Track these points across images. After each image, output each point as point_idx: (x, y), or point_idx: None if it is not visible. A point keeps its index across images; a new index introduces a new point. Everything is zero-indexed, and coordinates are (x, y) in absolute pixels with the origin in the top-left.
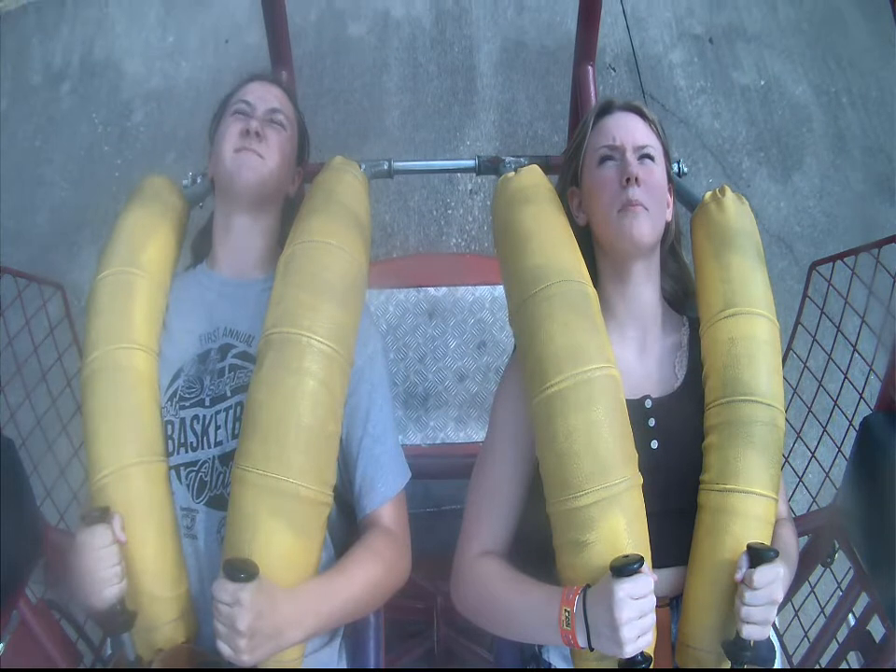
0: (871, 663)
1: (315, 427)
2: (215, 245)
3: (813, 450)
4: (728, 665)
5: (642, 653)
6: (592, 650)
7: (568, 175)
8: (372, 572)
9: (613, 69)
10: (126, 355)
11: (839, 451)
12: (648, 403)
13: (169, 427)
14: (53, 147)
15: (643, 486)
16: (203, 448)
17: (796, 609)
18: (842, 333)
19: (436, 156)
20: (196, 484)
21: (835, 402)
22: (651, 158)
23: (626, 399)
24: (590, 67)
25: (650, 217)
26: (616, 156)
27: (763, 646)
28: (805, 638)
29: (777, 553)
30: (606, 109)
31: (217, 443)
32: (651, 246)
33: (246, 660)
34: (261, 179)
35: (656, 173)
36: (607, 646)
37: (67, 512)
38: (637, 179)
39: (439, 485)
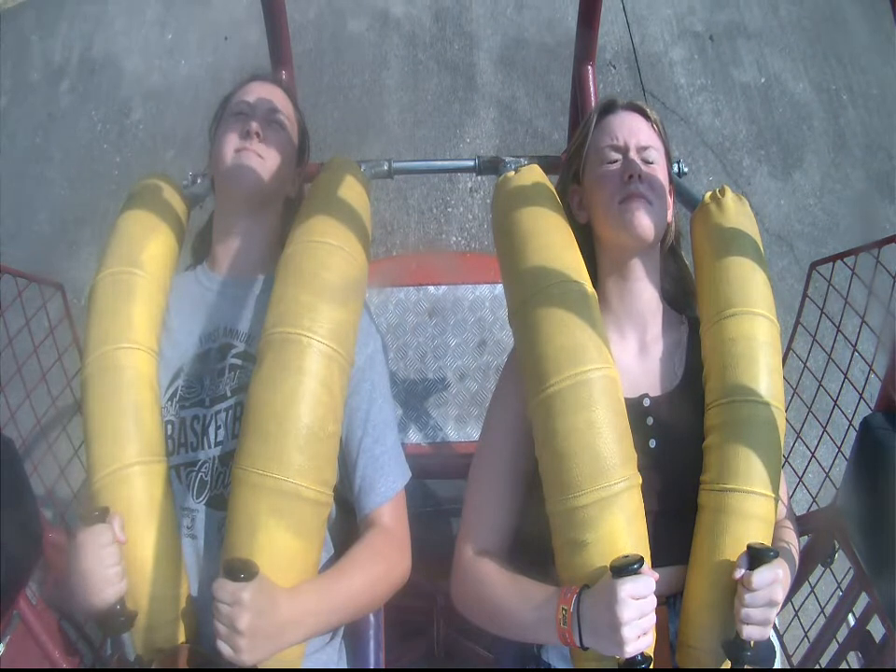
0: (871, 663)
1: (314, 427)
2: (215, 246)
3: (813, 450)
4: (728, 665)
5: (642, 654)
6: (585, 649)
7: (570, 173)
8: (373, 572)
9: (613, 66)
10: (126, 355)
11: (839, 451)
12: (646, 402)
13: (169, 426)
14: (53, 144)
15: (641, 485)
16: (203, 448)
17: (796, 609)
18: (842, 333)
19: (436, 153)
20: (196, 484)
21: (835, 402)
22: (653, 159)
23: (625, 398)
24: (590, 67)
25: (652, 210)
26: (619, 155)
27: (762, 646)
28: (805, 638)
29: (776, 554)
30: (609, 108)
31: (218, 443)
32: (652, 241)
33: (246, 660)
34: (261, 179)
35: (658, 172)
36: (607, 646)
37: (67, 512)
38: (640, 176)
39: (439, 485)
